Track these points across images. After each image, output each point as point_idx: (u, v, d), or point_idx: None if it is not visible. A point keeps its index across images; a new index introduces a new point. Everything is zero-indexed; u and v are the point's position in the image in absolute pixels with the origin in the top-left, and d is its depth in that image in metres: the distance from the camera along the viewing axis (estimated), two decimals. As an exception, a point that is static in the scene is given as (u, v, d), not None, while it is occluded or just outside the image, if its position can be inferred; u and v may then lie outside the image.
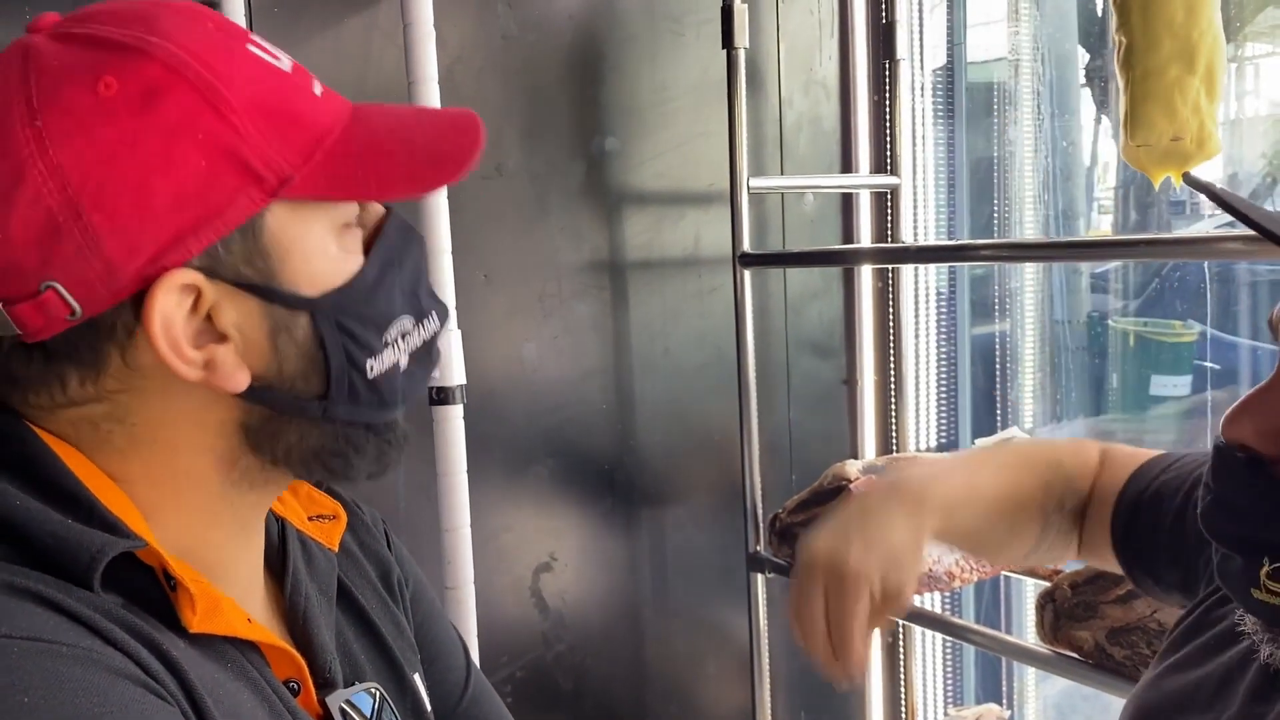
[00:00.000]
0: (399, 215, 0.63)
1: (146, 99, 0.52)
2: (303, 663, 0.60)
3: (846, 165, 1.84)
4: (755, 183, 1.58)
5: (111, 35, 0.53)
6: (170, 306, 0.53)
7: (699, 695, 1.79)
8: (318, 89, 0.58)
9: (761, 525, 1.61)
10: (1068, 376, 2.09)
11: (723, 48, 1.55)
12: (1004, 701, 1.91)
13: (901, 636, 1.85)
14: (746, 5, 1.54)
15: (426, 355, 0.63)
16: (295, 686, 0.60)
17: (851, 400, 1.88)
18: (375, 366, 0.60)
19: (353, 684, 0.65)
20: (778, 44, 1.76)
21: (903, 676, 1.87)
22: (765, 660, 1.65)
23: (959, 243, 1.86)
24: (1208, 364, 2.06)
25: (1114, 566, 0.89)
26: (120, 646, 0.49)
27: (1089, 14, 2.12)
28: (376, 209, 0.62)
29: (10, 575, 0.49)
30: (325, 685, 0.63)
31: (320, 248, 0.57)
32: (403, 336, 0.61)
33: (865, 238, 1.83)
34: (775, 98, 1.77)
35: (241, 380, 0.56)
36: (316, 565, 0.68)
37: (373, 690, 0.65)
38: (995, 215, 1.93)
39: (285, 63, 0.57)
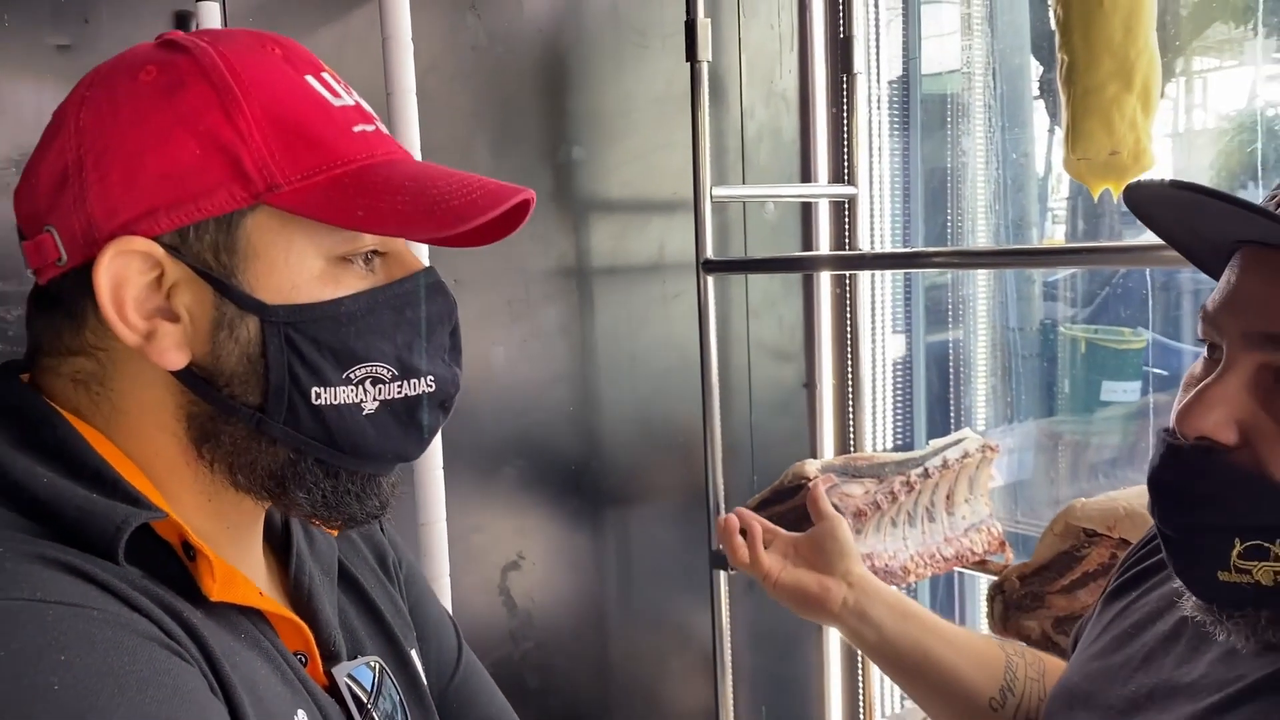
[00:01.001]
0: (436, 277, 0.64)
1: (170, 88, 0.58)
2: (310, 635, 0.64)
3: (805, 175, 1.89)
4: (718, 192, 1.63)
5: (183, 40, 0.60)
6: (128, 270, 0.57)
7: (663, 692, 1.83)
8: (364, 128, 0.62)
9: (724, 524, 1.65)
10: (1019, 381, 2.16)
11: (686, 60, 1.59)
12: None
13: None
14: (710, 20, 1.59)
15: (406, 411, 0.63)
16: (303, 658, 0.63)
17: (811, 403, 1.93)
18: (324, 396, 0.60)
19: (355, 658, 0.68)
20: (739, 57, 1.81)
21: (860, 671, 1.92)
22: (728, 656, 1.69)
23: (913, 250, 1.92)
24: (1154, 370, 2.14)
25: None
26: (145, 612, 0.52)
27: (1042, 27, 2.19)
28: (414, 263, 0.63)
29: (40, 548, 0.52)
30: (330, 658, 0.66)
31: (294, 262, 0.59)
32: (372, 381, 0.61)
33: (824, 245, 1.88)
34: (737, 109, 1.82)
35: (177, 360, 0.59)
36: (318, 547, 0.71)
37: (373, 664, 0.69)
38: (949, 224, 2.00)
39: (344, 100, 0.61)
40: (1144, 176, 1.36)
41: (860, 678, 1.93)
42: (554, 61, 1.64)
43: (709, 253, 1.60)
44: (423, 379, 0.63)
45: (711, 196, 1.60)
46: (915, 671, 0.94)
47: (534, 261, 1.62)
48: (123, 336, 0.58)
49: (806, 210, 1.89)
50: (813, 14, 1.85)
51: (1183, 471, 0.64)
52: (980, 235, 2.02)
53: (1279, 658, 0.64)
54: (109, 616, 0.51)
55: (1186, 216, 0.66)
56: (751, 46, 1.83)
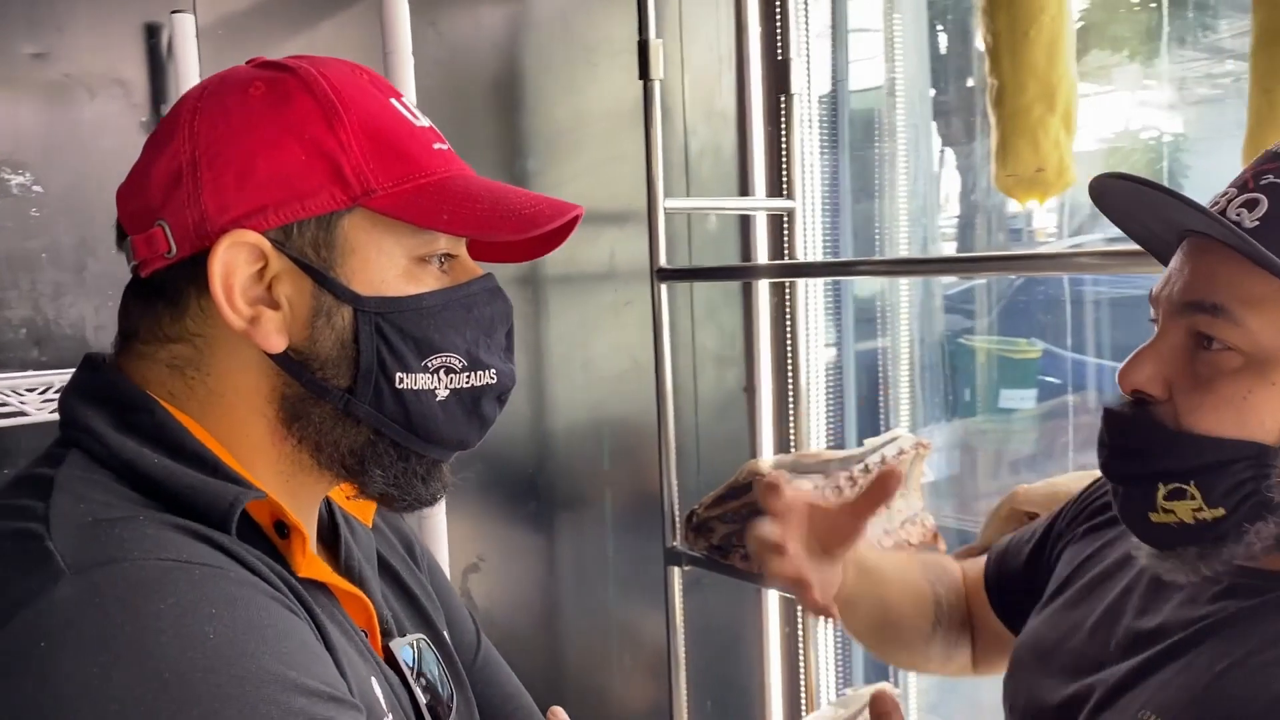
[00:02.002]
0: (494, 282, 0.70)
1: (279, 101, 0.64)
2: (374, 611, 0.68)
3: (744, 189, 1.98)
4: (669, 204, 1.70)
5: (284, 61, 0.66)
6: (236, 260, 0.62)
7: (616, 688, 1.88)
8: (440, 146, 0.68)
9: (678, 522, 1.72)
10: (931, 389, 2.29)
11: (640, 78, 1.67)
12: (892, 680, 2.07)
13: (800, 624, 1.99)
14: (661, 41, 1.67)
15: (473, 402, 0.68)
16: (363, 634, 0.68)
17: (751, 406, 2.02)
18: (406, 381, 0.65)
19: (403, 634, 0.72)
20: (682, 76, 1.90)
21: (801, 662, 2.01)
22: (681, 652, 1.76)
23: (859, 260, 2.02)
24: (1050, 379, 2.29)
25: (1006, 648, 1.01)
26: (263, 576, 0.57)
27: (935, 52, 2.33)
28: (475, 269, 0.70)
29: (169, 518, 0.57)
30: (384, 635, 0.71)
31: (385, 260, 0.65)
32: (446, 370, 0.67)
33: (763, 256, 1.98)
34: (681, 126, 1.90)
35: (278, 343, 0.64)
36: (359, 536, 0.75)
37: (414, 642, 0.74)
38: (878, 236, 2.11)
39: (421, 121, 0.68)
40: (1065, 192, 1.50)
41: (801, 669, 2.01)
42: (509, 76, 1.69)
43: (662, 261, 1.67)
44: (488, 371, 0.69)
45: (664, 208, 1.67)
46: (873, 621, 1.00)
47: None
48: (230, 321, 0.62)
49: (745, 222, 1.98)
50: (749, 36, 1.95)
51: (1118, 430, 0.75)
52: (902, 248, 2.14)
53: (1233, 603, 0.74)
54: (241, 577, 0.56)
55: (1138, 210, 0.76)
56: (693, 66, 1.91)
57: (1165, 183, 0.72)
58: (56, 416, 0.65)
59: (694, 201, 1.90)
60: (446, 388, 0.67)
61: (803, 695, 2.01)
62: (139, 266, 0.65)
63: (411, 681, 0.71)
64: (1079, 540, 0.91)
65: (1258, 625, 0.72)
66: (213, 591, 0.53)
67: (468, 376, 0.68)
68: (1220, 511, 0.70)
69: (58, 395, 0.73)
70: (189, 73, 1.30)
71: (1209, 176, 1.99)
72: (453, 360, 0.67)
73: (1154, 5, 1.99)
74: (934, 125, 2.26)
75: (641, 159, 1.73)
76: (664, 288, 1.67)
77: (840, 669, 2.10)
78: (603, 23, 1.79)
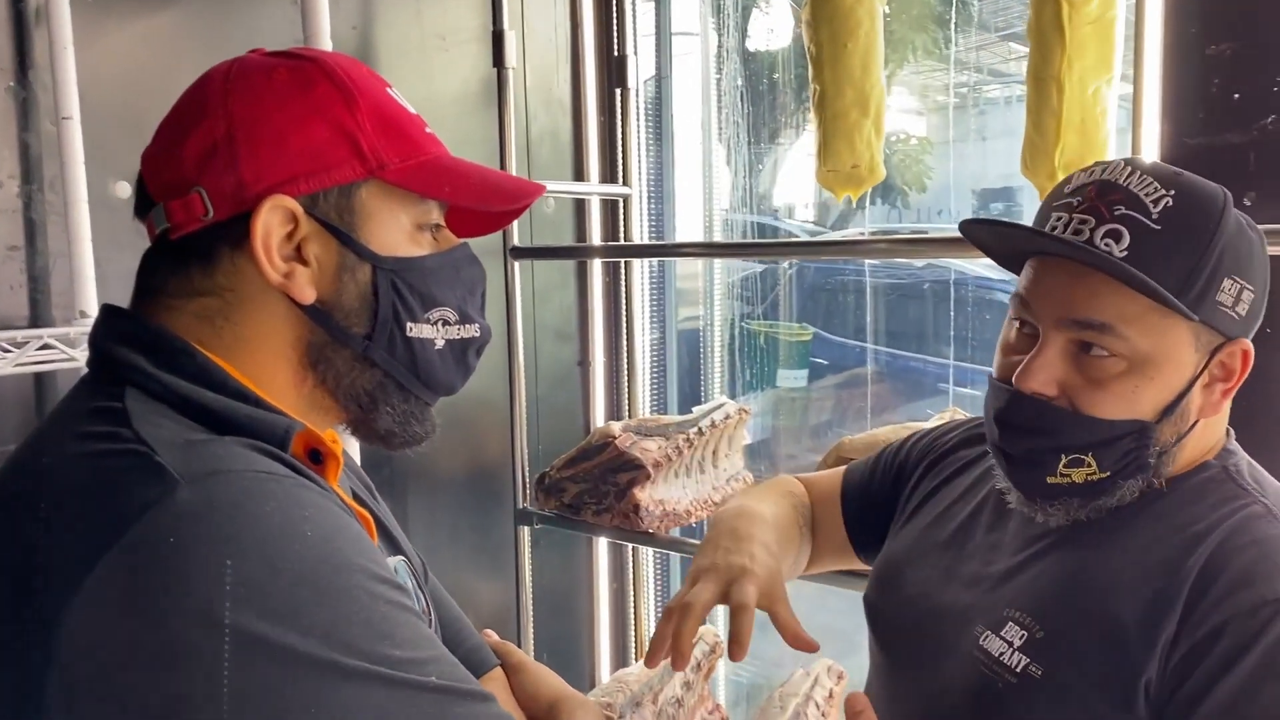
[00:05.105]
0: (469, 248, 0.81)
1: (304, 85, 0.72)
2: (375, 530, 0.78)
3: (578, 174, 2.12)
4: (520, 186, 1.81)
5: (298, 51, 0.74)
6: (273, 222, 0.71)
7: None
8: (429, 130, 0.78)
9: (528, 484, 1.84)
10: (726, 367, 2.50)
11: (494, 66, 1.77)
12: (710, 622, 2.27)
13: (633, 578, 2.15)
14: (514, 31, 1.77)
15: (461, 351, 0.79)
16: None
17: (585, 379, 2.16)
18: (414, 330, 0.76)
19: (389, 556, 0.82)
20: (524, 65, 2.00)
21: (632, 613, 2.17)
22: (530, 606, 1.88)
23: (713, 242, 2.20)
24: (819, 360, 2.56)
25: (843, 560, 1.17)
26: (324, 489, 0.67)
27: (747, 56, 2.53)
28: (452, 237, 0.80)
29: (244, 439, 0.65)
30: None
31: (395, 225, 0.75)
32: (444, 323, 0.77)
33: (596, 237, 2.12)
34: (523, 112, 2.01)
35: (309, 295, 0.73)
36: (345, 473, 0.84)
37: (396, 563, 0.83)
38: (707, 225, 2.30)
39: (411, 109, 0.78)
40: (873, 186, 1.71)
41: (631, 620, 2.18)
42: (367, 60, 1.75)
43: (515, 240, 1.78)
44: (473, 325, 0.80)
45: (516, 190, 1.78)
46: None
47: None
48: (268, 275, 0.71)
49: (580, 207, 2.12)
50: (584, 31, 2.08)
51: (1021, 414, 0.89)
52: (717, 234, 2.33)
53: (1067, 522, 0.91)
54: (315, 487, 0.65)
55: (999, 240, 0.93)
56: (534, 56, 2.02)
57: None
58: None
59: (548, 185, 2.00)
60: (444, 338, 0.78)
61: (632, 642, 2.18)
62: (169, 230, 0.72)
63: (410, 587, 0.81)
64: (928, 473, 1.10)
65: (1102, 537, 0.89)
66: (304, 498, 0.63)
67: (459, 329, 0.79)
68: (1107, 474, 0.87)
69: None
70: (63, 40, 1.29)
71: (946, 175, 2.29)
72: (448, 314, 0.78)
73: (904, 19, 2.25)
74: (749, 124, 2.46)
75: (487, 142, 1.84)
76: (517, 265, 1.78)
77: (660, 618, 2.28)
78: (454, 9, 1.87)
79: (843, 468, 1.23)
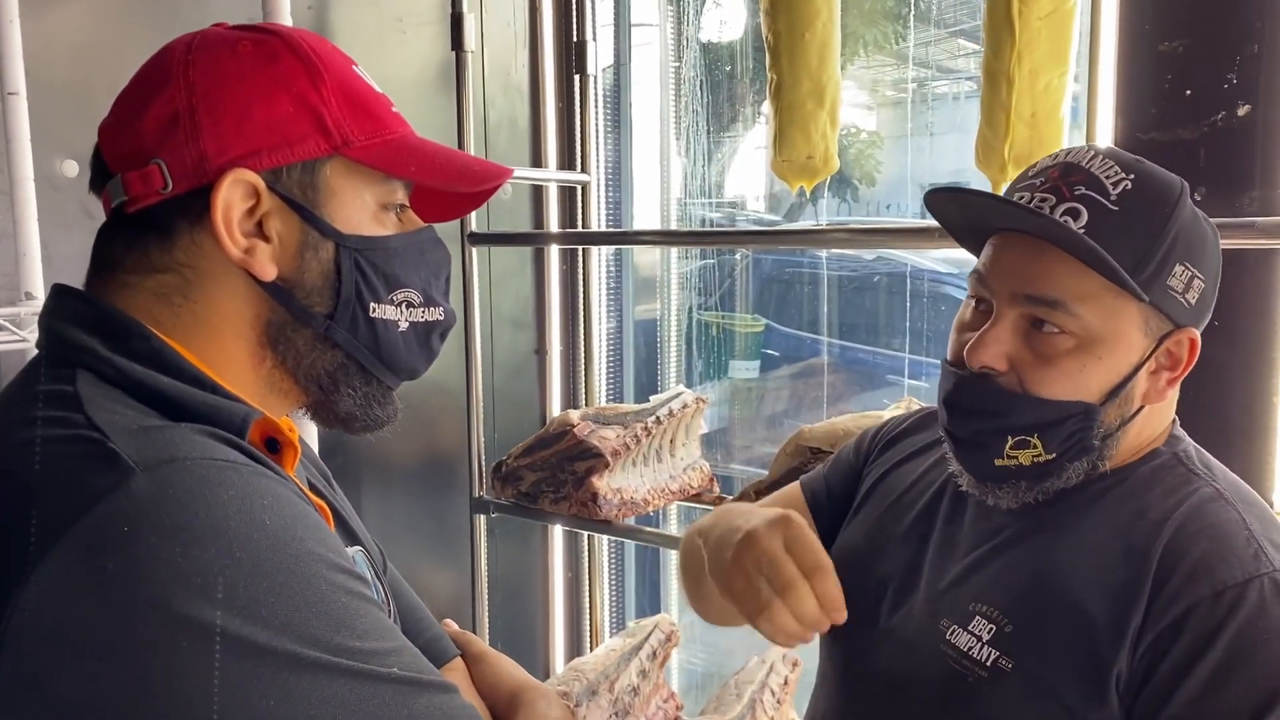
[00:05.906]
0: (434, 231, 0.79)
1: (268, 58, 0.71)
2: (332, 520, 0.76)
3: (536, 161, 2.10)
4: (478, 172, 1.79)
5: (262, 25, 0.72)
6: (234, 196, 0.69)
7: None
8: (395, 110, 0.77)
9: (485, 472, 1.83)
10: (683, 357, 2.51)
11: (452, 49, 1.74)
12: (665, 612, 2.28)
13: (586, 558, 2.15)
14: (473, 15, 1.75)
15: (425, 335, 0.78)
16: None
17: (541, 367, 2.15)
18: (377, 311, 0.74)
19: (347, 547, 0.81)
20: (482, 50, 1.98)
21: (587, 601, 2.17)
22: (485, 593, 1.87)
23: (679, 230, 2.20)
24: (771, 351, 2.57)
25: None
26: (282, 477, 0.65)
27: (706, 47, 2.54)
28: (417, 219, 0.78)
29: (199, 427, 0.63)
30: None
31: (359, 204, 0.74)
32: (408, 304, 0.76)
33: (554, 224, 2.10)
34: (480, 97, 1.99)
35: (270, 271, 0.71)
36: (304, 462, 0.82)
37: (354, 554, 0.82)
38: (663, 215, 2.30)
39: (377, 88, 0.76)
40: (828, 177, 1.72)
41: (586, 607, 2.18)
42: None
43: (474, 226, 1.76)
44: (438, 309, 0.79)
45: (475, 176, 1.76)
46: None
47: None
48: (229, 251, 0.69)
49: (538, 193, 2.10)
50: (543, 15, 2.06)
51: (969, 395, 0.90)
52: (673, 222, 2.33)
53: (1025, 512, 0.92)
54: (274, 475, 0.63)
55: (962, 210, 0.93)
56: (492, 40, 2.00)
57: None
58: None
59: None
60: (407, 320, 0.76)
61: (587, 630, 2.18)
62: (126, 203, 0.69)
63: (369, 578, 0.79)
64: (880, 457, 1.10)
65: (1063, 527, 0.90)
66: (262, 486, 0.61)
67: (423, 311, 0.77)
68: (1053, 456, 0.88)
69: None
70: (8, 14, 1.26)
71: (896, 169, 2.31)
72: (412, 295, 0.76)
73: (855, 14, 2.27)
74: (707, 114, 2.47)
75: (445, 126, 1.81)
76: (475, 252, 1.77)
77: (614, 607, 2.28)
78: (411, -8, 1.84)
79: (791, 485, 1.21)
